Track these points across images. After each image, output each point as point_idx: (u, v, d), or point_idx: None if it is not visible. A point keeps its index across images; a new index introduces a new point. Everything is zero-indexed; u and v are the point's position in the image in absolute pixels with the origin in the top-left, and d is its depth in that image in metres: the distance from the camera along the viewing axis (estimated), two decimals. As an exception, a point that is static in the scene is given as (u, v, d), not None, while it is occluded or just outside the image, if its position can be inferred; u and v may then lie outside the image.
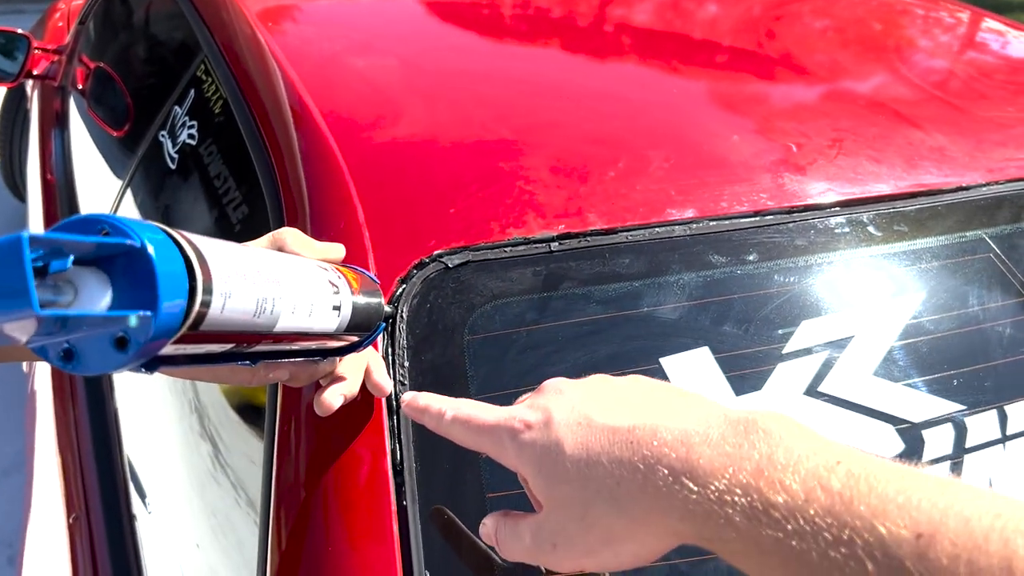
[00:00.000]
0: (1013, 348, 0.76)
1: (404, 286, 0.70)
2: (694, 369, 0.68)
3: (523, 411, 0.45)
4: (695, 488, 0.36)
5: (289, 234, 0.56)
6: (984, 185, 0.89)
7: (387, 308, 0.67)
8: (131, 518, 1.04)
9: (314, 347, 0.54)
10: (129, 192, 1.27)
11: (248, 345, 0.45)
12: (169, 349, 0.37)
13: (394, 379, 0.65)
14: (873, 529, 0.31)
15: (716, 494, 0.36)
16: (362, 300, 0.55)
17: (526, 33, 1.18)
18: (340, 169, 0.79)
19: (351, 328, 0.55)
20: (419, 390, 0.65)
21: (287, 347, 0.50)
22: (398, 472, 0.62)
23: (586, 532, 0.41)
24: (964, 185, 0.88)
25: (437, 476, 0.62)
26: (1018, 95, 1.11)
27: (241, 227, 0.89)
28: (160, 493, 0.99)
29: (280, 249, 0.55)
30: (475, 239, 0.74)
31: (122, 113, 1.60)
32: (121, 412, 1.13)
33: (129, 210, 1.24)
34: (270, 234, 0.57)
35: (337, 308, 0.52)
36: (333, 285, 0.52)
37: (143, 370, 0.38)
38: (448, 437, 0.50)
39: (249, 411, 0.86)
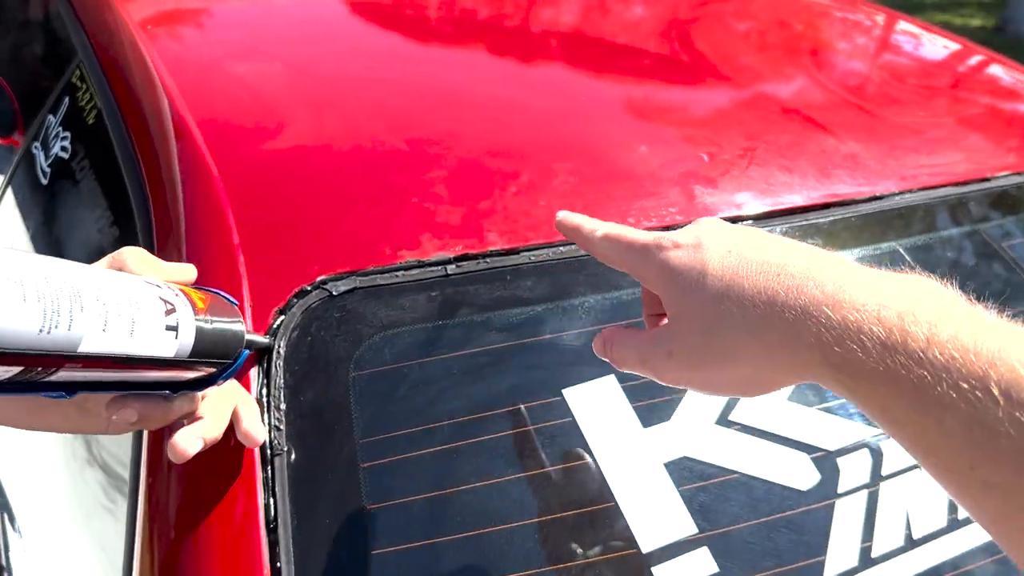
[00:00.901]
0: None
1: (283, 317, 0.64)
2: (600, 400, 0.64)
3: (676, 233, 0.45)
4: (834, 316, 0.36)
5: (131, 254, 0.50)
6: (898, 194, 0.86)
7: (263, 340, 0.61)
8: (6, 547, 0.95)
9: (155, 378, 0.47)
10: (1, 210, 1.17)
11: (45, 370, 0.38)
12: None
13: (269, 424, 0.59)
14: (1013, 369, 0.31)
15: (855, 323, 0.35)
16: (210, 323, 0.49)
17: (427, 38, 1.12)
18: (215, 187, 0.72)
19: (200, 355, 0.48)
20: (298, 436, 0.59)
21: (111, 375, 0.43)
22: (272, 530, 0.56)
23: (707, 345, 0.41)
24: (878, 194, 0.85)
25: (316, 533, 0.56)
26: (931, 99, 1.10)
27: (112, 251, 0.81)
28: (35, 522, 0.91)
29: (120, 270, 0.49)
30: (363, 263, 0.68)
31: (8, 121, 1.49)
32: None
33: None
34: (110, 255, 0.51)
35: (173, 329, 0.45)
36: (166, 303, 0.45)
37: None
38: (595, 254, 0.49)
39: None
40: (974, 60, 1.33)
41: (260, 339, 0.61)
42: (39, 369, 0.37)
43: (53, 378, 0.39)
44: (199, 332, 0.47)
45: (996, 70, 1.27)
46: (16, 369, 0.36)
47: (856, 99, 1.03)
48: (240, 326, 0.52)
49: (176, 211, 0.73)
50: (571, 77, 1.02)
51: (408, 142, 0.80)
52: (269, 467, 0.58)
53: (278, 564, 0.54)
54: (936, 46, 1.36)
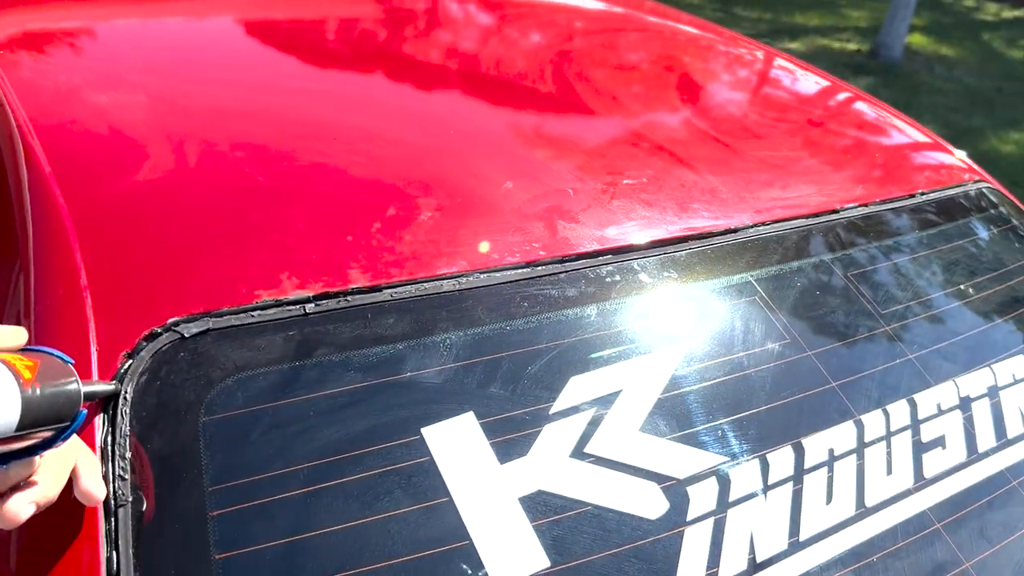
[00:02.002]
0: (775, 394, 0.77)
1: (130, 362, 0.62)
2: (457, 438, 0.65)
3: None
4: None
5: None
6: (752, 226, 0.91)
7: (107, 387, 0.59)
8: None
9: None
10: None
11: None
12: None
13: (113, 473, 0.57)
14: None
15: None
16: (39, 391, 0.47)
17: (296, 69, 1.11)
18: (64, 224, 0.70)
19: (31, 425, 0.47)
20: (143, 486, 0.57)
21: None
22: (113, 585, 0.54)
23: None
24: (732, 227, 0.89)
25: (160, 586, 0.55)
26: (790, 134, 1.16)
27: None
28: None
29: None
30: (218, 303, 0.67)
31: None
32: None
33: None
34: None
35: None
36: None
37: None
38: None
39: None
40: (839, 96, 1.41)
41: (104, 387, 0.59)
42: None
43: None
44: (26, 403, 0.46)
45: (858, 106, 1.35)
46: None
47: (718, 134, 1.07)
48: (75, 386, 0.51)
49: (24, 249, 0.71)
50: (439, 110, 1.03)
51: (269, 176, 0.79)
52: (112, 519, 0.56)
53: (119, 621, 0.53)
54: (806, 82, 1.43)
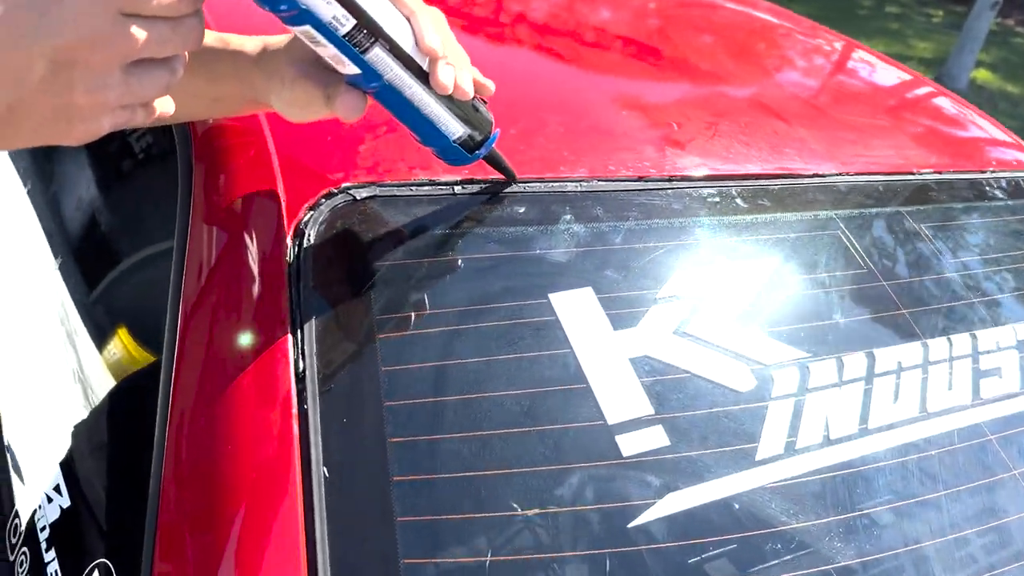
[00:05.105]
0: (851, 310, 0.87)
1: (312, 212, 0.74)
2: (578, 305, 0.75)
3: None
4: None
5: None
6: (836, 175, 1.00)
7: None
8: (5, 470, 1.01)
9: (433, 110, 0.66)
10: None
11: (367, 38, 0.57)
12: None
13: (294, 299, 0.69)
14: None
15: None
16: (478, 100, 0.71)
17: (493, 30, 1.23)
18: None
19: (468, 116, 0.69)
20: (318, 310, 0.69)
21: (406, 82, 0.62)
22: (300, 379, 0.65)
23: None
24: (820, 173, 0.99)
25: (339, 415, 0.66)
26: (875, 106, 1.25)
27: (144, 155, 0.89)
28: (32, 438, 0.97)
29: None
30: (382, 176, 0.78)
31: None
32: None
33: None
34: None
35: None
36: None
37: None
38: None
39: (113, 351, 0.87)
40: (926, 88, 1.50)
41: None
42: (365, 32, 0.56)
43: (368, 55, 0.58)
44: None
45: (942, 99, 1.44)
46: (352, 22, 0.55)
47: (809, 97, 1.17)
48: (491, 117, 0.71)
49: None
50: (562, 55, 1.14)
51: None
52: (298, 331, 0.67)
53: (304, 407, 0.64)
54: (892, 72, 1.51)
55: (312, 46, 0.58)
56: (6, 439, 1.01)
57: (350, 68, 0.59)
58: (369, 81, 0.61)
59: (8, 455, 0.99)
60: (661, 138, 0.94)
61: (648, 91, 1.05)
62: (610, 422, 0.69)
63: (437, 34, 0.62)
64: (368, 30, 0.57)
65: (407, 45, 0.61)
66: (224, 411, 0.65)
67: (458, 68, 0.64)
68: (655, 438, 0.70)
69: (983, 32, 6.22)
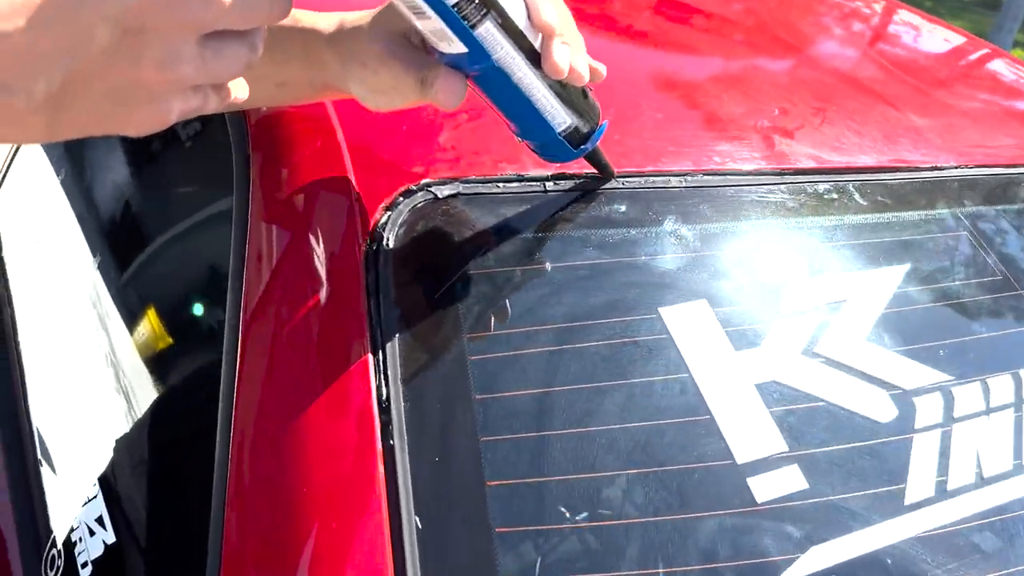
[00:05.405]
0: (990, 324, 0.76)
1: (389, 213, 0.64)
2: (693, 321, 0.65)
3: None
4: None
5: None
6: (956, 167, 0.89)
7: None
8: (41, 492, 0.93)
9: (542, 97, 0.56)
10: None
11: (477, 10, 0.48)
12: None
13: (373, 310, 0.59)
14: None
15: None
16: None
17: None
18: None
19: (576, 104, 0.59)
20: (402, 322, 0.59)
21: (517, 64, 0.53)
22: (384, 410, 0.56)
23: None
24: (939, 165, 0.88)
25: (427, 417, 0.56)
26: (977, 90, 1.13)
27: (192, 143, 0.80)
28: (72, 459, 0.89)
29: None
30: (465, 171, 0.68)
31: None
32: (28, 374, 1.01)
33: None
34: None
35: None
36: None
37: None
38: None
39: (161, 363, 0.79)
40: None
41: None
42: (476, 2, 0.47)
43: (478, 30, 0.49)
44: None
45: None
46: None
47: (919, 82, 1.06)
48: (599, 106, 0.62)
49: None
50: (666, 39, 1.04)
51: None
52: (380, 353, 0.58)
53: (391, 441, 0.55)
54: (992, 56, 1.39)
55: (412, 18, 0.48)
56: (38, 451, 0.93)
57: (454, 46, 0.49)
58: (474, 62, 0.51)
59: (40, 467, 0.91)
60: (766, 125, 0.83)
61: (746, 72, 0.94)
62: (739, 461, 0.59)
63: (553, 7, 0.52)
64: (480, 0, 0.47)
65: (520, 20, 0.51)
66: (297, 445, 0.56)
67: (574, 49, 0.54)
68: (791, 480, 0.60)
69: (1022, 11, 6.00)
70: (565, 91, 0.57)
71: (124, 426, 0.77)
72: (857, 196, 0.80)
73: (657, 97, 0.82)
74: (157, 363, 0.77)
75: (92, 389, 0.86)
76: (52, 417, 0.89)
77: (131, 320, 0.83)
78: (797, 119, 0.86)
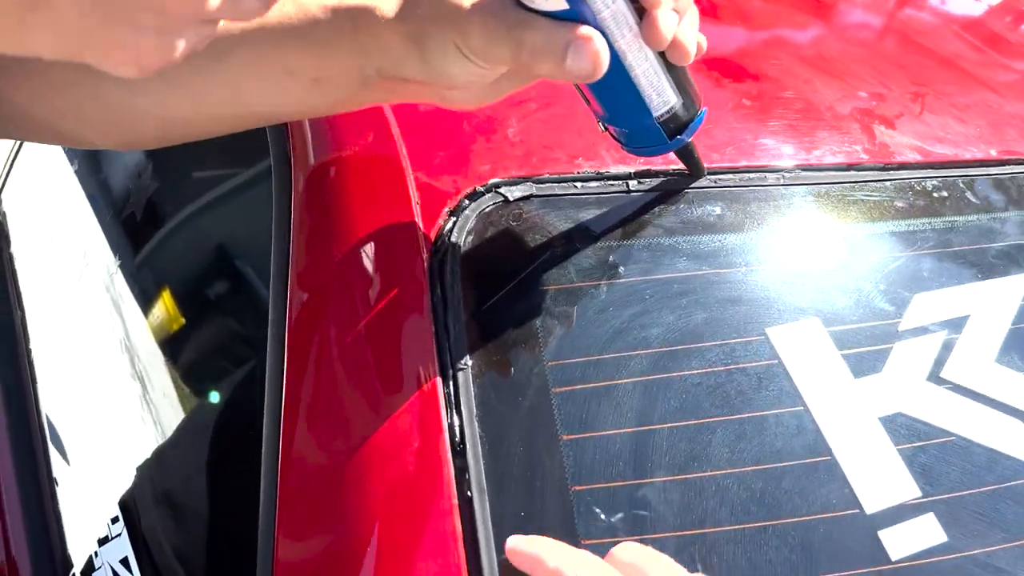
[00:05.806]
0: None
1: (455, 219, 0.55)
2: (805, 343, 0.56)
3: None
4: None
5: None
6: (1071, 160, 0.80)
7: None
8: (51, 482, 0.86)
9: (648, 73, 0.47)
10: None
11: None
12: None
13: (444, 325, 0.51)
14: None
15: None
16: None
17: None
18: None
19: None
20: (473, 336, 0.51)
21: (625, 37, 0.44)
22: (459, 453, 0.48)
23: None
24: (1053, 157, 0.79)
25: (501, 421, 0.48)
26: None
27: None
28: (84, 448, 0.82)
29: None
30: (537, 169, 0.60)
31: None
32: (38, 362, 0.94)
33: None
34: None
35: None
36: None
37: None
38: None
39: (176, 348, 0.71)
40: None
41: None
42: None
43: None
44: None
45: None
46: None
47: (1013, 66, 0.96)
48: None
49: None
50: (750, 17, 0.94)
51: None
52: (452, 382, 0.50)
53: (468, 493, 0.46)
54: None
55: None
56: (55, 470, 0.85)
57: (552, 2, 0.41)
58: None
59: (56, 487, 0.84)
60: (863, 114, 0.74)
61: (837, 52, 0.85)
62: (868, 511, 0.51)
63: None
64: None
65: None
66: (355, 500, 0.48)
67: (687, 18, 0.45)
68: (929, 532, 0.51)
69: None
70: (668, 69, 0.48)
71: (148, 453, 0.69)
72: (969, 194, 0.71)
73: (743, 81, 0.73)
74: (190, 384, 0.69)
75: (114, 403, 0.79)
76: (70, 436, 0.81)
77: (161, 332, 0.75)
78: (896, 106, 0.77)
